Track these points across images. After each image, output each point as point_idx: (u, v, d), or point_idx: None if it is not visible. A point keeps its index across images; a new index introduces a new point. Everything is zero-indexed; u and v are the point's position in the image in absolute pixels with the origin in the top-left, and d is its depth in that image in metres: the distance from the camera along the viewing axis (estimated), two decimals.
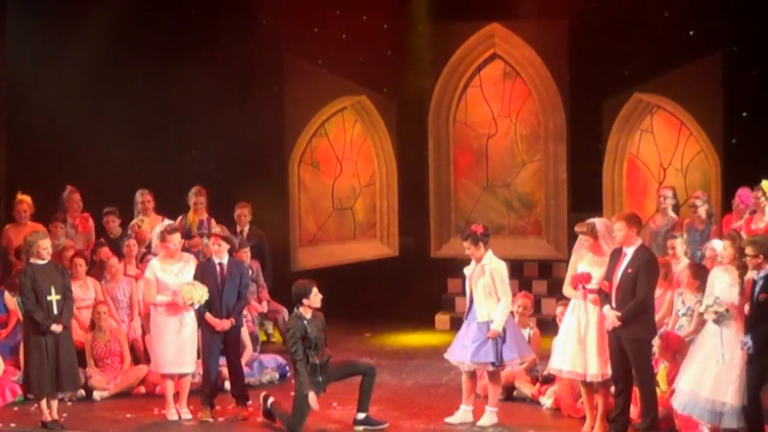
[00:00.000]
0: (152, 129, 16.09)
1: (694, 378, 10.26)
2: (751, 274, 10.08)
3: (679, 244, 12.49)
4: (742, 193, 13.13)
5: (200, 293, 11.51)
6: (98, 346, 12.90)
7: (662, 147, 16.35)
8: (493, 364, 11.24)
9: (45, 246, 11.48)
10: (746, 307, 9.99)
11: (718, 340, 10.17)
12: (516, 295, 12.44)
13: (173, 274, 11.73)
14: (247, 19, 16.42)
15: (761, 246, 9.96)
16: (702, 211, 13.46)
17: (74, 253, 13.56)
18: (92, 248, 14.14)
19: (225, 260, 11.87)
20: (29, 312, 11.34)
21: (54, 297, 11.38)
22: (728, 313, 10.09)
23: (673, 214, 13.97)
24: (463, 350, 11.34)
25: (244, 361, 13.02)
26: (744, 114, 15.41)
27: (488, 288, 11.27)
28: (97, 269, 13.71)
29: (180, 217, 14.58)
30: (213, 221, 14.51)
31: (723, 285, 10.22)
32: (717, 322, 10.15)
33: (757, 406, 10.01)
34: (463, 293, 11.74)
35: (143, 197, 14.52)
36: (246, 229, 15.10)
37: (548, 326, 13.73)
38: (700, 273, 11.69)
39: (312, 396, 10.97)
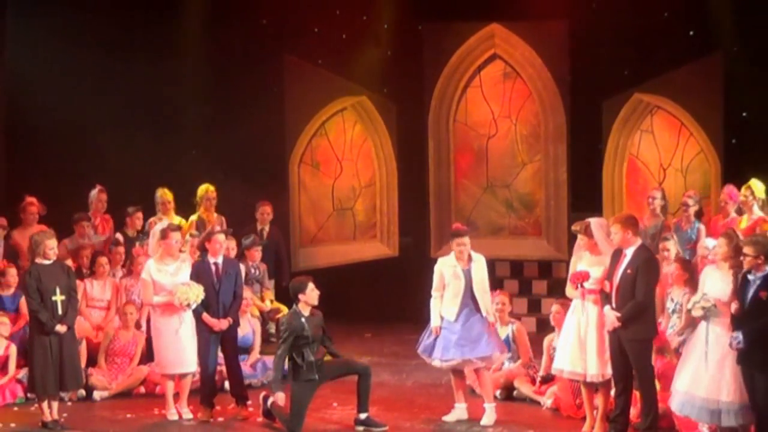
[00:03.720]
0: (152, 129, 16.10)
1: (690, 379, 10.26)
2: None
3: (672, 246, 12.51)
4: (730, 190, 13.18)
5: (195, 293, 11.50)
6: (117, 342, 12.95)
7: (662, 147, 16.35)
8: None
9: (51, 246, 11.47)
10: (733, 306, 9.97)
11: (704, 338, 10.18)
12: (493, 293, 12.45)
13: (169, 275, 11.73)
14: (247, 19, 16.43)
15: (763, 247, 9.95)
16: (693, 210, 13.49)
17: (94, 252, 13.64)
18: (108, 246, 14.16)
19: (220, 260, 11.87)
20: (34, 312, 11.33)
21: (59, 297, 11.36)
22: (715, 308, 10.09)
23: (661, 215, 13.97)
24: (478, 347, 11.37)
25: (250, 362, 13.05)
26: (744, 114, 15.42)
27: (484, 282, 11.51)
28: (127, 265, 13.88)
29: (193, 217, 14.64)
30: (224, 219, 14.60)
31: (714, 282, 10.22)
32: (705, 318, 10.15)
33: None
34: None
35: (164, 197, 14.57)
36: (266, 228, 15.21)
37: (548, 326, 13.73)
38: (687, 266, 11.74)
39: (280, 396, 11.06)
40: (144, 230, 14.39)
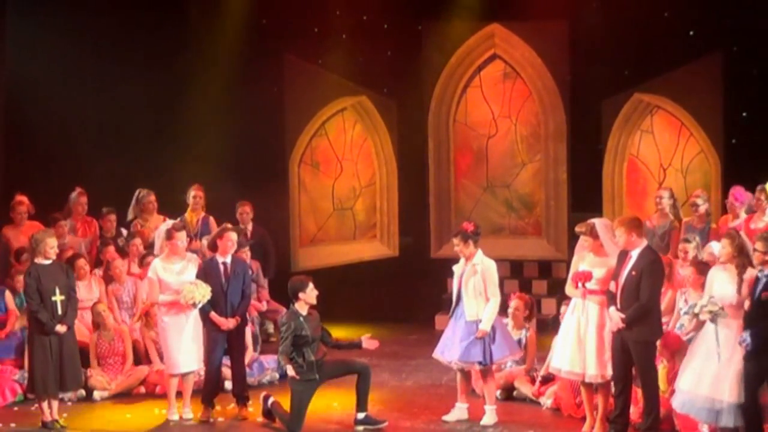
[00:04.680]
0: (152, 129, 16.11)
1: (693, 377, 10.26)
2: (751, 272, 10.07)
3: (692, 249, 12.42)
4: (736, 191, 13.17)
5: (202, 292, 11.48)
6: (102, 344, 12.89)
7: (662, 147, 16.35)
8: (480, 363, 11.30)
9: (52, 245, 11.46)
10: (746, 304, 9.99)
11: (714, 339, 10.17)
12: (510, 296, 12.45)
13: (175, 274, 11.71)
14: (247, 19, 16.42)
15: None
16: (703, 209, 13.49)
17: (73, 254, 13.53)
18: (98, 248, 14.11)
19: (229, 259, 11.86)
20: (34, 312, 11.31)
21: (59, 297, 11.35)
22: (723, 311, 10.08)
23: (670, 215, 13.95)
24: (452, 349, 11.37)
25: (246, 361, 13.02)
26: (744, 114, 15.42)
27: (479, 288, 11.33)
28: (103, 269, 13.75)
29: (178, 219, 14.58)
30: (211, 219, 14.56)
31: (721, 284, 10.22)
32: (713, 321, 10.15)
33: (756, 404, 10.01)
34: None
35: (148, 197, 14.53)
36: (249, 227, 15.15)
37: (548, 326, 13.76)
38: (704, 270, 11.69)
39: (290, 368, 11.00)
40: (129, 231, 14.34)
